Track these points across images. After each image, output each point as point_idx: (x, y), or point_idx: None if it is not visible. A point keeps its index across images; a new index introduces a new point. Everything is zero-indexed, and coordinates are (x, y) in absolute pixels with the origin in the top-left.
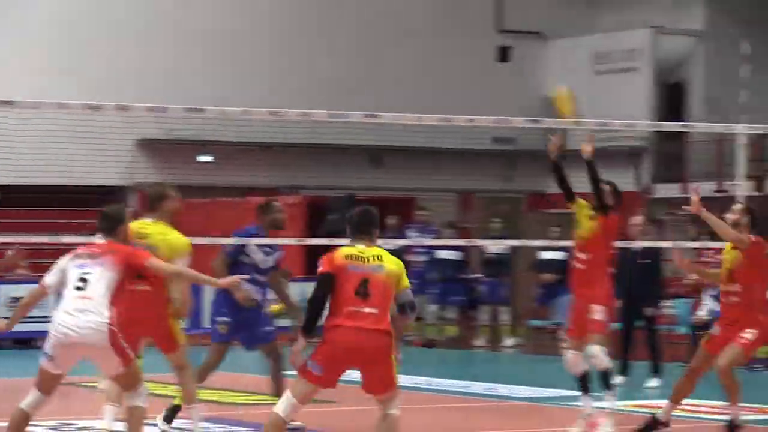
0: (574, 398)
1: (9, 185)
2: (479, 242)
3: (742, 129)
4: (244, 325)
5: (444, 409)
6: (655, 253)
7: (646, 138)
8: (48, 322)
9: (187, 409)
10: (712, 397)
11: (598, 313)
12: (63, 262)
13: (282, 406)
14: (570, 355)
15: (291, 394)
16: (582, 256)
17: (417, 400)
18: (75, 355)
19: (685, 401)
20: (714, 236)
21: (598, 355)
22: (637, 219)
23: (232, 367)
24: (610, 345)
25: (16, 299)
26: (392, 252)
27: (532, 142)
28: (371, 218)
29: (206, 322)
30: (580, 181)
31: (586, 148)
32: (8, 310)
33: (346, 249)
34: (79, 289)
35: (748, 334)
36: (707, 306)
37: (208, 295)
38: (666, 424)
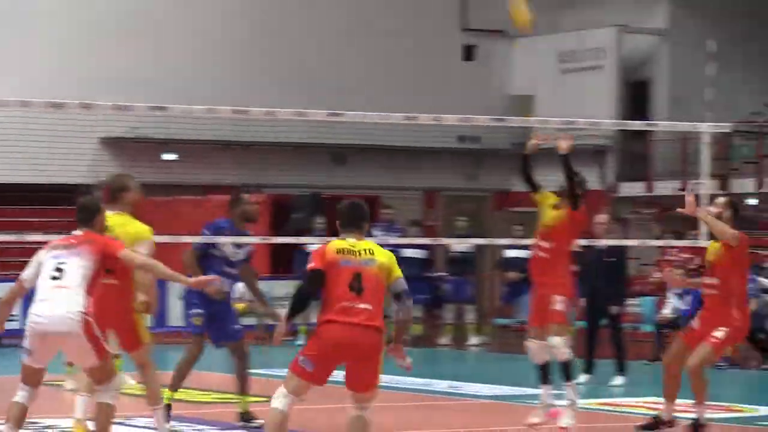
0: (540, 396)
1: None
2: (444, 241)
3: (706, 128)
4: (215, 318)
5: (408, 408)
6: (620, 251)
7: (611, 137)
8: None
9: (152, 409)
10: (680, 396)
11: (558, 303)
12: (39, 255)
13: (279, 401)
14: (532, 344)
15: (285, 389)
16: (545, 244)
17: (381, 398)
18: (51, 346)
19: (649, 398)
20: (680, 235)
21: (559, 346)
22: (602, 217)
23: (198, 365)
24: (572, 338)
25: None
26: None
27: (497, 140)
28: (361, 212)
29: (173, 321)
30: (546, 179)
31: (563, 145)
32: None
33: (338, 243)
34: (54, 278)
35: (719, 333)
36: (672, 304)
37: (174, 293)
38: (671, 424)
